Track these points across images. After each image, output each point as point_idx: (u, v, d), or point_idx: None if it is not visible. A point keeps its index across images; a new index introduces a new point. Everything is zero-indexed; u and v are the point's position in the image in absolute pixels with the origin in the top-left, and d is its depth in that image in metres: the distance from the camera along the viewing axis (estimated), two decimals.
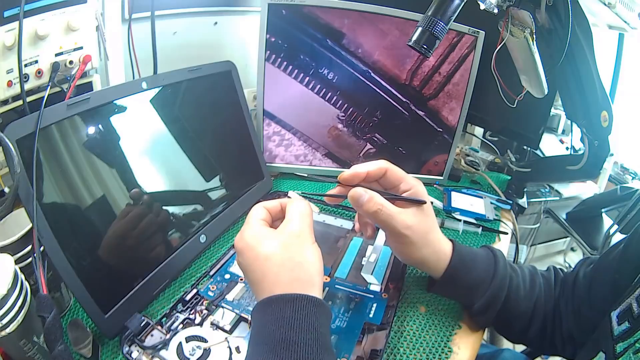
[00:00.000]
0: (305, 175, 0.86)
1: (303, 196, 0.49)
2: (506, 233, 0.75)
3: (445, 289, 0.53)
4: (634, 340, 0.37)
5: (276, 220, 0.43)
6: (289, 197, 0.44)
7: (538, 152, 1.03)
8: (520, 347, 0.72)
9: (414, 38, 0.53)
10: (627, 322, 0.39)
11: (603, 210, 1.30)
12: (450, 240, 0.51)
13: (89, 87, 0.68)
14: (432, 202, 0.47)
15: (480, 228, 0.73)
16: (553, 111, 1.40)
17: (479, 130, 1.18)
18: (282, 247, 0.39)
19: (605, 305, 0.43)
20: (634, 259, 0.43)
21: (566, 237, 1.62)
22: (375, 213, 0.44)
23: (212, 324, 0.49)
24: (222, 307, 0.51)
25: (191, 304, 0.52)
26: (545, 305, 0.51)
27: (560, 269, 0.56)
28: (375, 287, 0.55)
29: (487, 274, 0.50)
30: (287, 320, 0.34)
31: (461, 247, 0.51)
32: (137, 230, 0.52)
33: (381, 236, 0.65)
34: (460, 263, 0.49)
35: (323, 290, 0.54)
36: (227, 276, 0.56)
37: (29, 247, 0.45)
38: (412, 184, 0.47)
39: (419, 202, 0.46)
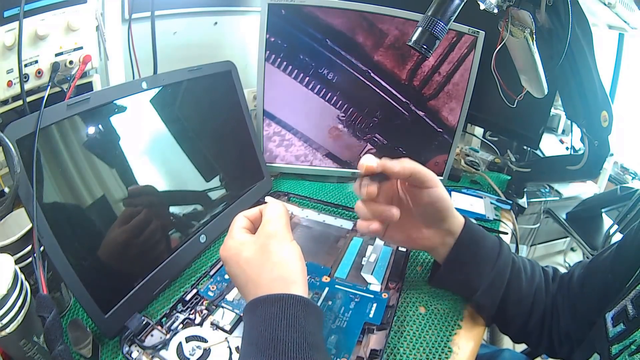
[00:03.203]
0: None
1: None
2: (506, 233, 0.75)
3: (453, 269, 0.52)
4: (629, 342, 0.37)
5: (258, 226, 0.43)
6: (265, 202, 0.45)
7: (538, 152, 1.03)
8: (520, 348, 0.72)
9: (414, 38, 0.53)
10: (622, 324, 0.39)
11: (603, 210, 1.30)
12: (463, 216, 0.53)
13: (89, 87, 0.68)
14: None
15: None
16: (553, 111, 1.41)
17: (479, 130, 1.18)
18: (260, 250, 0.40)
19: (599, 305, 0.44)
20: (628, 260, 0.44)
21: (566, 237, 1.63)
22: (414, 166, 0.45)
23: (212, 324, 0.49)
24: (222, 307, 0.51)
25: (191, 304, 0.52)
26: (545, 297, 0.51)
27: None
28: (375, 287, 0.55)
29: (492, 252, 0.51)
30: (274, 320, 0.35)
31: (472, 223, 0.52)
32: (140, 238, 0.52)
33: None
34: (469, 238, 0.51)
35: (323, 290, 0.54)
36: (227, 276, 0.56)
37: (29, 247, 0.45)
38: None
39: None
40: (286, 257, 0.39)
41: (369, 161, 0.44)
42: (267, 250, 0.39)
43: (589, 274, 0.50)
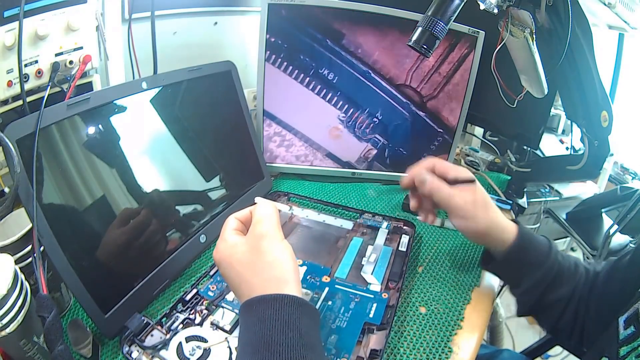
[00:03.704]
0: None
1: None
2: None
3: (509, 262, 0.53)
4: (638, 344, 0.38)
5: (249, 227, 0.43)
6: (255, 202, 0.45)
7: (538, 152, 1.03)
8: (519, 348, 0.72)
9: (414, 38, 0.53)
10: (633, 327, 0.40)
11: (603, 210, 1.30)
12: (514, 220, 0.55)
13: (89, 87, 0.68)
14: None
15: None
16: (553, 111, 1.40)
17: (479, 130, 1.18)
18: (251, 251, 0.40)
19: (614, 308, 0.44)
20: None
21: (566, 237, 1.62)
22: (432, 190, 0.53)
23: (212, 324, 0.49)
24: (222, 307, 0.51)
25: (191, 304, 0.52)
26: (580, 295, 0.52)
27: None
28: (375, 287, 0.55)
29: (544, 253, 0.52)
30: (268, 321, 0.35)
31: (523, 227, 0.54)
32: (140, 239, 0.52)
33: (381, 236, 0.65)
34: (523, 241, 0.52)
35: (323, 290, 0.54)
36: None
37: (29, 247, 0.45)
38: (459, 169, 0.55)
39: (468, 181, 0.53)
40: (278, 256, 0.39)
41: (404, 178, 0.57)
42: (258, 250, 0.39)
43: (609, 278, 0.50)
